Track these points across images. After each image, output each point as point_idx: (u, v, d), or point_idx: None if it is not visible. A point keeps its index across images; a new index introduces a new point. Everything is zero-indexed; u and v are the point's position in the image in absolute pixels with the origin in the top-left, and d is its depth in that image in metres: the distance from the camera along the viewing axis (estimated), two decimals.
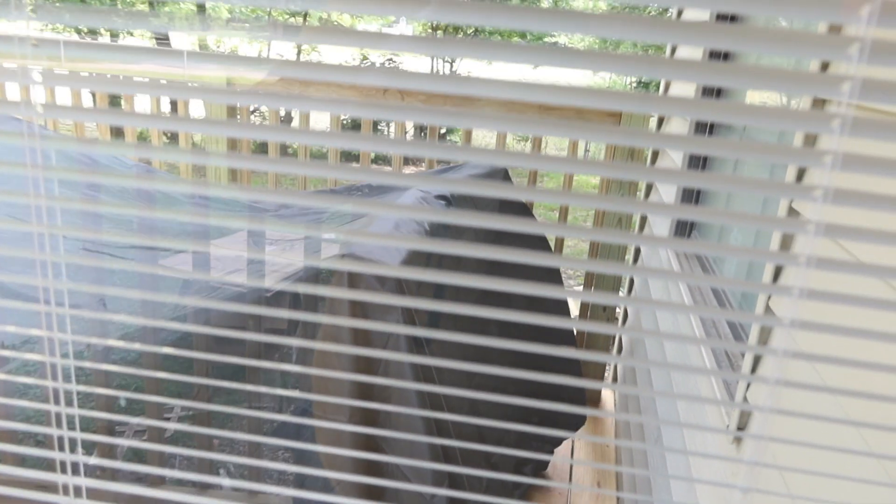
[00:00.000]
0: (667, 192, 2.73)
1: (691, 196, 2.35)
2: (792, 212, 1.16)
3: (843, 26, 0.97)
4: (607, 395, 3.12)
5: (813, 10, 0.63)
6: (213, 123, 1.92)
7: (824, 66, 1.08)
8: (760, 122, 0.66)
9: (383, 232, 1.91)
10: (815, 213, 0.71)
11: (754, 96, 1.90)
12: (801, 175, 1.12)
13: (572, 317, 3.09)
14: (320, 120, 9.59)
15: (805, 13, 0.62)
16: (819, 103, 1.09)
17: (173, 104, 6.41)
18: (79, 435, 0.72)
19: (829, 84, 0.64)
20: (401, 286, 1.83)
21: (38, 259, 0.70)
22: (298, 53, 11.36)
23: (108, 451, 2.06)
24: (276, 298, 2.01)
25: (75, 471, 0.72)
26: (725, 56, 2.08)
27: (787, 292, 0.71)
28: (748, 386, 1.30)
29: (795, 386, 0.84)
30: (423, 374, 1.87)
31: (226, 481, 2.05)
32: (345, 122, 7.43)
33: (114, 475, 2.03)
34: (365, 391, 1.82)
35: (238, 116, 3.23)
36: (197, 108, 7.56)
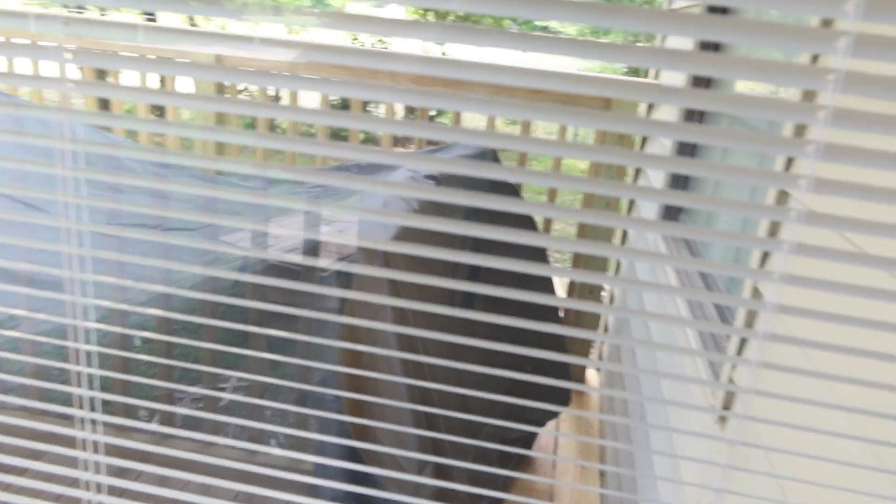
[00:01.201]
0: (655, 178, 2.77)
1: (679, 182, 2.39)
2: (781, 199, 1.20)
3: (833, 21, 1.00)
4: (592, 378, 3.18)
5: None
6: (206, 99, 1.92)
7: (814, 59, 1.11)
8: (750, 111, 0.69)
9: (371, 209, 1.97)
10: (799, 200, 0.75)
11: (743, 86, 1.94)
12: (789, 164, 1.15)
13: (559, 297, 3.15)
14: (310, 99, 9.52)
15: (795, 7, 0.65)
16: (809, 95, 1.13)
17: (161, 79, 6.30)
18: (98, 394, 0.75)
19: (815, 76, 0.67)
20: (387, 262, 1.88)
21: (62, 227, 0.72)
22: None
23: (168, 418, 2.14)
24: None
25: (94, 428, 0.75)
26: (716, 47, 2.12)
27: (769, 276, 0.75)
28: (733, 367, 1.35)
29: (776, 368, 0.88)
30: (408, 346, 1.93)
31: (276, 451, 2.12)
32: (334, 102, 7.38)
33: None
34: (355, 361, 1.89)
35: (226, 94, 3.22)
36: (186, 85, 7.48)
